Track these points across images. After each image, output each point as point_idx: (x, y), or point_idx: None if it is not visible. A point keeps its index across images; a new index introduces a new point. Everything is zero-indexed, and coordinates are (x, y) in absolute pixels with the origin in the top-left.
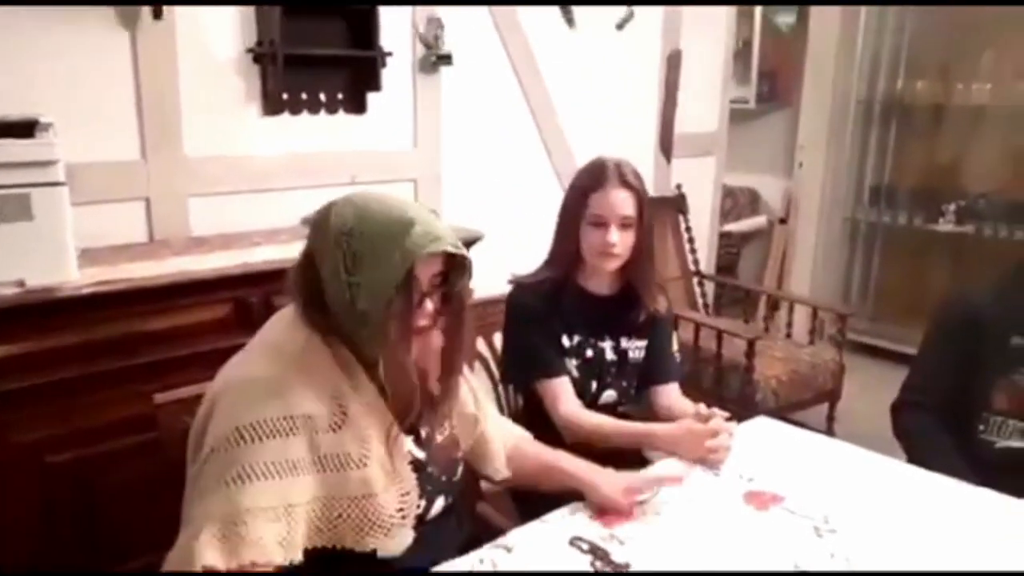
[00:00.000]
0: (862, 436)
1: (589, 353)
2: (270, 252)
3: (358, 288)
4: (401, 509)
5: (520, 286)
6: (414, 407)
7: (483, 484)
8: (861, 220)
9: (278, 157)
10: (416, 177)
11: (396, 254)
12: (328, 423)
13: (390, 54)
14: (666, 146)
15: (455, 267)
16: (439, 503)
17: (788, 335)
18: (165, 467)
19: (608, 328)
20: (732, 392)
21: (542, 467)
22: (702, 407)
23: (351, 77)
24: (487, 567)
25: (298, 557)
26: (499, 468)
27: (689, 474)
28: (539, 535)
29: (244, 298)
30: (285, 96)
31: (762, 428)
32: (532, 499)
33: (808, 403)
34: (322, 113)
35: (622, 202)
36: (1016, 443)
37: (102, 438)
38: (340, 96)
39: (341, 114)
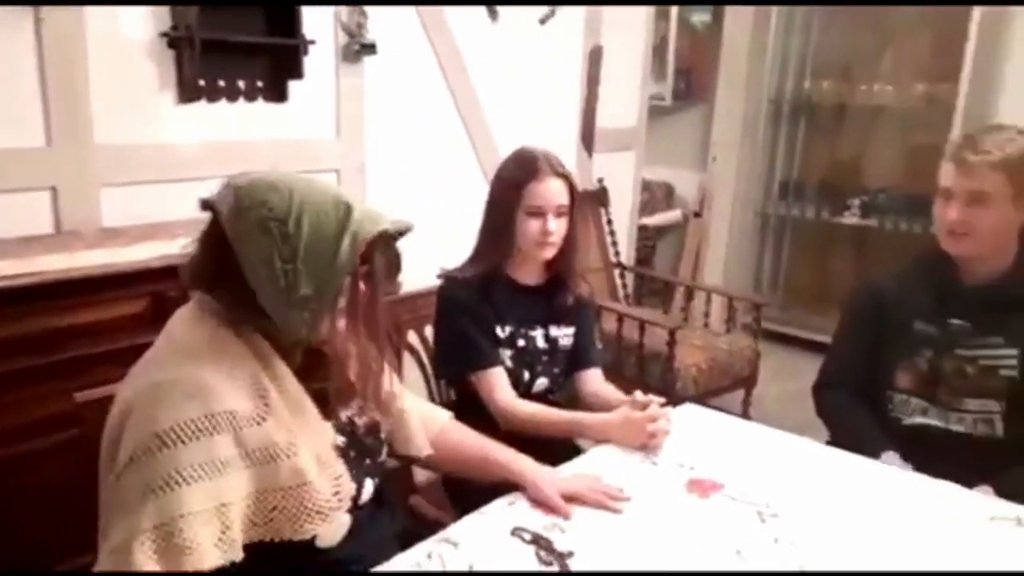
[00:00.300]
0: (776, 420)
1: (521, 343)
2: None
3: (298, 274)
4: (337, 493)
5: (451, 279)
6: (359, 389)
7: (416, 477)
8: (771, 214)
9: (195, 146)
10: (339, 167)
11: (345, 239)
12: (252, 416)
13: (312, 42)
14: (588, 140)
15: (377, 247)
16: (369, 486)
17: (706, 324)
18: (89, 466)
19: (538, 317)
20: (654, 380)
21: (473, 456)
22: (638, 395)
23: (272, 65)
24: (435, 563)
25: (238, 555)
26: (420, 446)
27: (625, 461)
28: (480, 527)
29: (163, 292)
30: (202, 83)
31: (692, 415)
32: (467, 491)
33: (726, 389)
34: (241, 101)
35: (557, 191)
36: (920, 420)
37: (22, 437)
38: (260, 84)
39: (261, 102)
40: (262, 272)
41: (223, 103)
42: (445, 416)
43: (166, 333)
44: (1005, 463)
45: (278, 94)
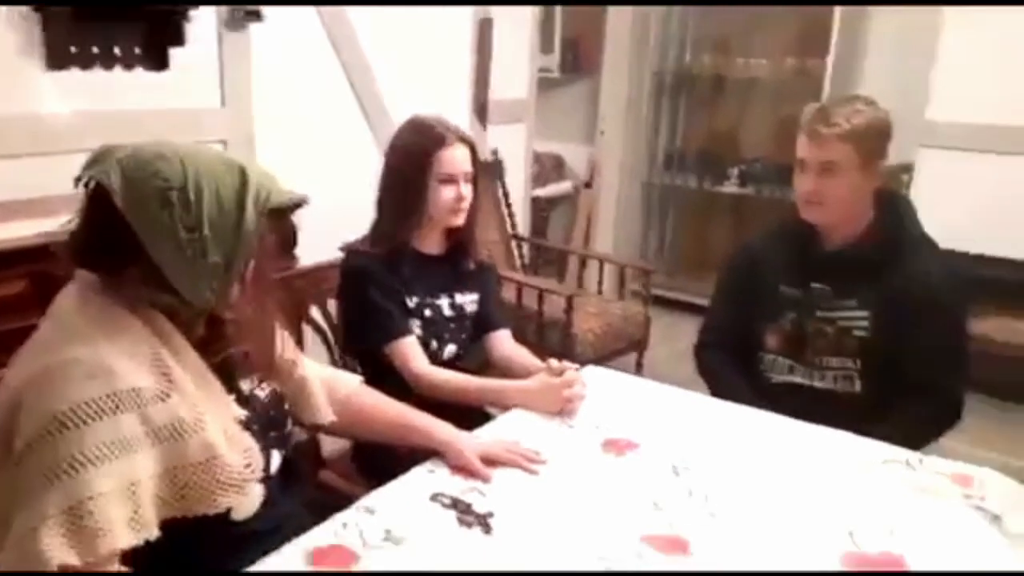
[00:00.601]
0: (666, 379)
1: (428, 312)
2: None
3: (205, 242)
4: (248, 464)
5: (355, 252)
6: (256, 358)
7: (324, 451)
8: (656, 184)
9: (69, 115)
10: (226, 138)
11: (248, 203)
12: (156, 393)
13: (195, 3)
14: (481, 112)
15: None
16: (276, 457)
17: (599, 291)
18: None
19: (443, 286)
20: (553, 346)
21: (390, 421)
22: (552, 362)
23: (150, 30)
24: (352, 531)
25: (152, 533)
26: (324, 414)
27: (540, 425)
28: (399, 495)
29: (44, 271)
30: (74, 49)
31: (597, 377)
32: (377, 463)
33: (620, 352)
34: (117, 68)
35: (465, 157)
36: (787, 378)
37: None
38: (137, 50)
39: (139, 70)
40: (166, 244)
41: (98, 70)
42: (354, 381)
43: (53, 315)
44: (865, 416)
45: (158, 61)
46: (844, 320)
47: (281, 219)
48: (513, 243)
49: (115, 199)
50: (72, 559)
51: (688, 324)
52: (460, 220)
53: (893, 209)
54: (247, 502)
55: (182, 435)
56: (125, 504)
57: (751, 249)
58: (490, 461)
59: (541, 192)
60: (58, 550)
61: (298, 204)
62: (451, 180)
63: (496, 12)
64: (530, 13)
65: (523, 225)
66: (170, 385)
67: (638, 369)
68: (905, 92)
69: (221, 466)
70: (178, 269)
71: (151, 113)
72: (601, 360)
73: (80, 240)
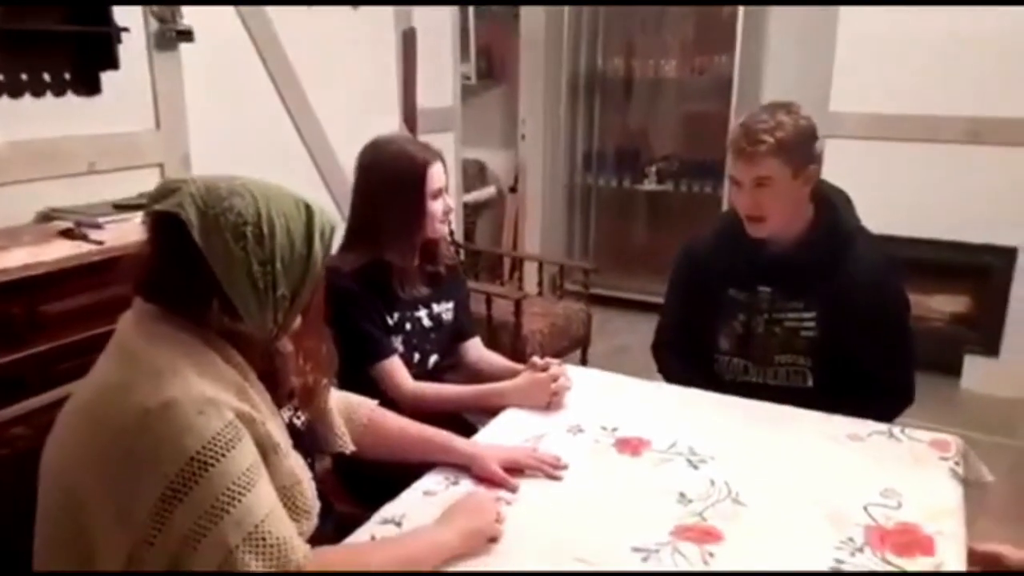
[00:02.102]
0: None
1: (408, 326)
2: (20, 256)
3: (276, 275)
4: (313, 493)
5: (335, 272)
6: (319, 386)
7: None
8: (578, 184)
9: (1, 146)
10: (162, 161)
11: (315, 238)
12: (250, 418)
13: (126, 30)
14: (411, 122)
15: None
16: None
17: (539, 293)
18: None
19: (420, 298)
20: (505, 348)
21: (411, 441)
22: (536, 359)
23: (80, 55)
24: None
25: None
26: (345, 443)
27: (543, 425)
28: (426, 507)
29: (4, 311)
30: (1, 77)
31: (583, 377)
32: (363, 478)
33: (567, 350)
34: (48, 95)
35: (443, 171)
36: (741, 377)
37: None
38: (68, 76)
39: (70, 95)
40: (239, 276)
41: (28, 98)
42: (370, 405)
43: (122, 354)
44: (819, 409)
45: (89, 87)
46: (792, 322)
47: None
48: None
49: (192, 232)
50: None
51: (621, 319)
52: (446, 230)
53: (830, 204)
54: (310, 528)
55: (277, 458)
56: (284, 518)
57: (697, 253)
58: (512, 468)
59: (467, 198)
60: (261, 571)
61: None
62: (439, 194)
63: (418, 22)
64: (450, 22)
65: (458, 232)
66: (255, 412)
67: (584, 366)
68: (808, 86)
69: (301, 492)
70: (248, 300)
71: (84, 139)
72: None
73: (152, 272)
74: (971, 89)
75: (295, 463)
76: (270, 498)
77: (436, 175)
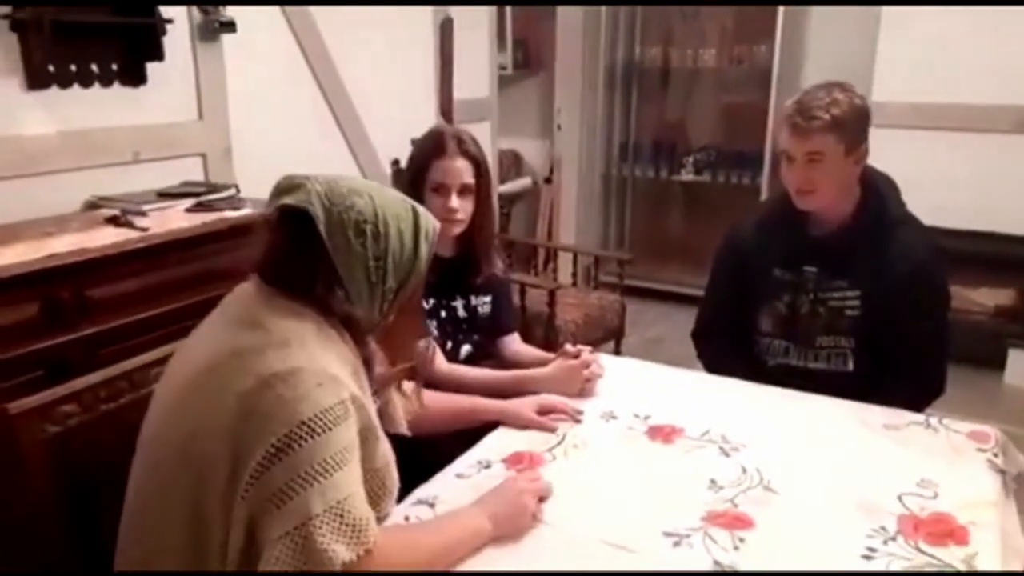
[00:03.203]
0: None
1: (443, 314)
2: (69, 242)
3: (387, 269)
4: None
5: None
6: (405, 373)
7: None
8: (614, 175)
9: (50, 136)
10: (205, 151)
11: (422, 237)
12: (360, 399)
13: (170, 21)
14: (447, 112)
15: None
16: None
17: (574, 283)
18: (23, 484)
19: (457, 288)
20: (538, 338)
21: (457, 413)
22: (568, 346)
23: (127, 46)
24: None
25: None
26: (402, 424)
27: (586, 420)
28: (458, 489)
29: (53, 295)
30: (52, 68)
31: (616, 365)
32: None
33: (600, 341)
34: (96, 86)
35: (461, 170)
36: (781, 360)
37: None
38: (115, 67)
39: (117, 86)
40: (357, 268)
41: (76, 88)
42: (415, 390)
43: (256, 324)
44: (856, 394)
45: (136, 77)
46: (836, 301)
47: None
48: None
49: (318, 226)
50: (346, 554)
51: (655, 311)
52: (453, 230)
53: (877, 190)
54: (391, 509)
55: (375, 439)
56: (364, 501)
57: (742, 236)
58: (546, 412)
59: (502, 189)
60: (334, 544)
61: None
62: (442, 190)
63: (455, 12)
64: (487, 12)
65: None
66: (363, 393)
67: (617, 356)
68: (850, 75)
69: (390, 472)
70: (363, 291)
71: (130, 129)
72: None
73: (278, 260)
74: (1019, 77)
75: (386, 447)
76: (357, 481)
77: (441, 169)
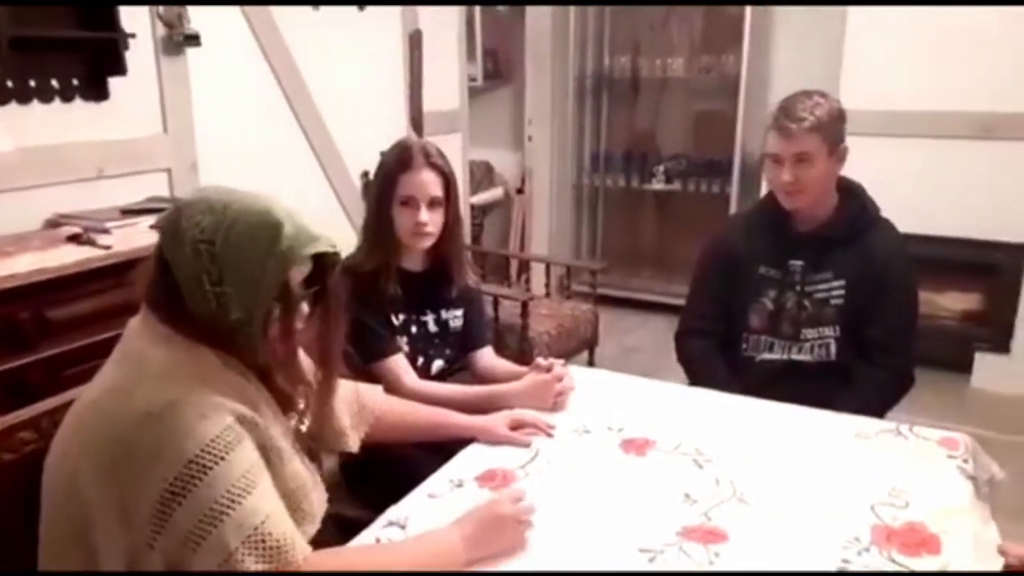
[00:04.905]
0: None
1: (414, 329)
2: (28, 261)
3: (228, 298)
4: (319, 495)
5: (343, 271)
6: (295, 407)
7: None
8: (586, 185)
9: (9, 153)
10: (170, 166)
11: (270, 262)
12: (254, 421)
13: (132, 35)
14: (417, 124)
15: (325, 264)
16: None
17: (547, 294)
18: None
19: (428, 302)
20: (512, 350)
21: (420, 427)
22: (540, 360)
23: (89, 61)
24: None
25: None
26: (351, 442)
27: (558, 434)
28: (430, 509)
29: (12, 315)
30: (10, 83)
31: (588, 377)
32: (369, 480)
33: (574, 351)
34: (56, 101)
35: (429, 183)
36: (768, 355)
37: None
38: (76, 82)
39: (79, 101)
40: (196, 295)
41: (36, 104)
42: (380, 397)
43: (127, 359)
44: (838, 383)
45: (98, 92)
46: (822, 292)
47: (324, 276)
48: None
49: (163, 243)
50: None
51: (629, 320)
52: (423, 243)
53: (853, 193)
54: (311, 532)
55: (279, 462)
56: (286, 518)
57: (727, 237)
58: (517, 428)
59: (474, 200)
60: (260, 571)
61: (333, 262)
62: (410, 203)
63: (424, 23)
64: (456, 22)
65: (466, 234)
66: (258, 416)
67: (591, 367)
68: (817, 83)
69: (305, 495)
70: (209, 320)
71: (93, 145)
72: None
73: (149, 284)
74: (983, 84)
75: (300, 468)
76: (271, 500)
77: (409, 183)
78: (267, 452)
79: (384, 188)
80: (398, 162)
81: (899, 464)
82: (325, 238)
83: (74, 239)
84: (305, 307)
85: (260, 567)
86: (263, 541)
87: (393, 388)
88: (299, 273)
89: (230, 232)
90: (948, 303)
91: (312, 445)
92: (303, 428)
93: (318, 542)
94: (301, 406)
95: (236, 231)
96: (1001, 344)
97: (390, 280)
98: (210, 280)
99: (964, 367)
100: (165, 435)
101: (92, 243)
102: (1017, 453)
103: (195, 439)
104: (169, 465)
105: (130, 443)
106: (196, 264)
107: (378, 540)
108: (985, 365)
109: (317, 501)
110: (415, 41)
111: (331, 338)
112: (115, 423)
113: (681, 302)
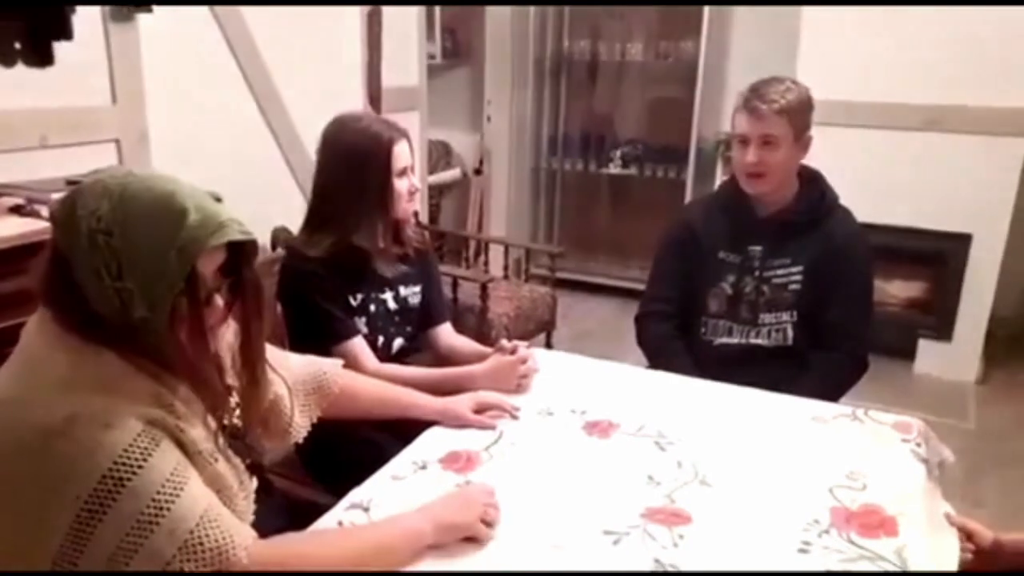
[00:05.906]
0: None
1: (373, 308)
2: None
3: (130, 295)
4: (246, 496)
5: (296, 253)
6: (220, 405)
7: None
8: (544, 168)
9: None
10: (118, 137)
11: (171, 253)
12: (169, 423)
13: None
14: (375, 101)
15: (243, 252)
16: (253, 483)
17: (505, 276)
18: None
19: (386, 280)
20: (471, 331)
21: (391, 401)
22: (504, 342)
23: (31, 23)
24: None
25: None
26: (298, 430)
27: (522, 417)
28: (393, 491)
29: None
30: None
31: (552, 360)
32: (329, 463)
33: (531, 334)
34: None
35: (408, 149)
36: (727, 339)
37: None
38: (18, 45)
39: (21, 66)
40: (96, 291)
41: None
42: (338, 368)
43: (22, 368)
44: (794, 366)
45: (41, 57)
46: (780, 278)
47: (240, 267)
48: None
49: (57, 234)
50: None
51: (585, 304)
52: (416, 207)
53: (814, 180)
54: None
55: (200, 466)
56: (223, 515)
57: (688, 221)
58: (481, 410)
59: (431, 179)
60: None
61: (250, 250)
62: (404, 173)
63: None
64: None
65: (424, 214)
66: (176, 418)
67: (548, 349)
68: (773, 72)
69: (229, 498)
70: (113, 318)
71: (36, 112)
72: None
73: (43, 279)
74: (931, 77)
75: (225, 468)
76: (203, 499)
77: (402, 153)
78: (187, 454)
79: (381, 161)
80: (385, 137)
81: (856, 447)
82: (235, 225)
83: (16, 210)
84: (219, 300)
85: (201, 568)
86: (200, 544)
87: (352, 371)
88: (211, 263)
89: (127, 220)
90: (894, 291)
91: (246, 444)
92: (237, 422)
93: (273, 528)
94: (233, 403)
95: (134, 219)
96: (944, 331)
97: (347, 258)
98: (110, 275)
99: (908, 354)
100: (71, 453)
101: (36, 215)
102: (956, 437)
103: (105, 451)
104: (81, 483)
105: (32, 465)
106: (94, 257)
107: (340, 523)
108: (928, 351)
109: (244, 503)
110: (374, 17)
111: (252, 332)
112: (10, 444)
113: (637, 286)
